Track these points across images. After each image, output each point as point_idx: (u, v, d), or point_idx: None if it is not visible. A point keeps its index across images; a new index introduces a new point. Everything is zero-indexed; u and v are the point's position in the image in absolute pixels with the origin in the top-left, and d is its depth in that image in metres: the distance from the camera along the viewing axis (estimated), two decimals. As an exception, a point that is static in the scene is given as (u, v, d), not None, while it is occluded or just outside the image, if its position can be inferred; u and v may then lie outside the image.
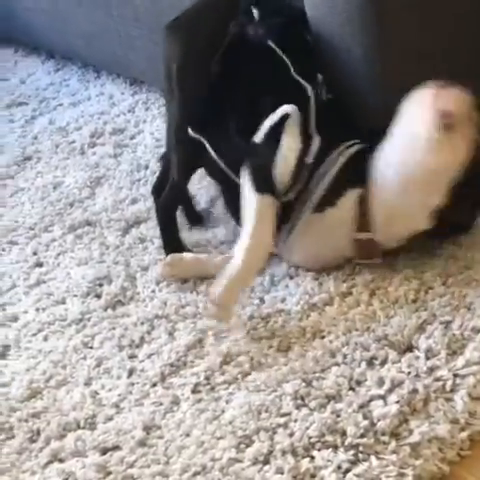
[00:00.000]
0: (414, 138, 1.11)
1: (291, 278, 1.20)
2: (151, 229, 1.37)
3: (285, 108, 1.17)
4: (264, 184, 1.14)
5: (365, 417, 0.95)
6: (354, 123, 1.23)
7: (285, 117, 1.17)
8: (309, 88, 1.20)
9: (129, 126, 1.76)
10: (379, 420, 0.94)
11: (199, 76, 1.24)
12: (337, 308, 1.12)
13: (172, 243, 1.30)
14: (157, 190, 1.36)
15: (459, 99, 1.09)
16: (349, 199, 1.15)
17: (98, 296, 1.25)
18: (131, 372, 1.10)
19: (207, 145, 1.23)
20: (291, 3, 1.31)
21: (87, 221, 1.44)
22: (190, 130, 1.23)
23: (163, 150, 1.45)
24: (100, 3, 1.81)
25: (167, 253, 1.28)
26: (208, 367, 1.07)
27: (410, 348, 1.04)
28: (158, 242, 1.33)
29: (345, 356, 1.04)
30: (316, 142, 1.17)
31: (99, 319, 1.20)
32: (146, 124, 1.74)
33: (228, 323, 1.12)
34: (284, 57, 1.21)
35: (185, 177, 1.31)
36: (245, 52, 1.23)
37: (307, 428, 0.95)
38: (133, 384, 1.08)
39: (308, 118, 1.18)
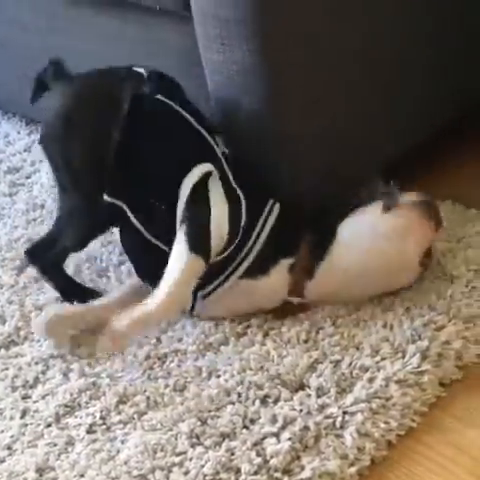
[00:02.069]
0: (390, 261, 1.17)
1: (188, 319, 1.21)
2: (46, 268, 1.37)
3: (202, 167, 1.17)
4: (199, 245, 1.13)
5: (259, 454, 0.97)
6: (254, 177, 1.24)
7: (205, 176, 1.17)
8: (213, 143, 1.21)
9: (25, 165, 1.74)
10: (272, 457, 0.97)
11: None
12: (232, 348, 1.14)
13: (69, 287, 1.28)
14: (34, 250, 1.29)
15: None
16: (282, 267, 1.18)
17: (-10, 336, 1.23)
18: (24, 413, 1.08)
19: (127, 210, 1.19)
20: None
21: (-20, 260, 1.42)
22: (106, 195, 1.19)
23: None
24: (-3, 42, 1.80)
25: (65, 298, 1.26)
26: (104, 407, 1.07)
27: (302, 386, 1.07)
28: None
29: (240, 395, 1.06)
30: (242, 200, 1.17)
31: (-9, 359, 1.18)
32: (42, 164, 1.73)
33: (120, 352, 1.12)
34: (182, 111, 1.21)
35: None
36: (146, 112, 1.20)
37: (202, 466, 0.97)
38: (26, 425, 1.06)
39: (225, 174, 1.19)
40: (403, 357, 1.08)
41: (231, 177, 1.19)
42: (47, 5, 1.61)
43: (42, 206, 1.57)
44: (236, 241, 1.16)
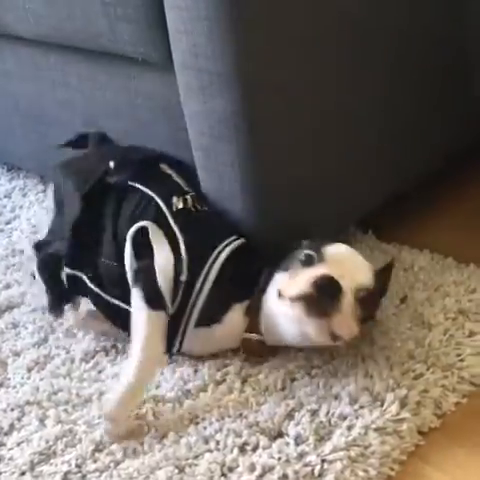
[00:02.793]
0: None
1: (167, 365, 1.20)
2: (24, 314, 1.36)
3: (140, 223, 1.22)
4: (155, 300, 1.15)
5: (237, 503, 0.97)
6: (230, 230, 1.26)
7: (145, 232, 1.21)
8: (162, 203, 1.25)
9: (5, 211, 1.75)
10: (250, 506, 0.96)
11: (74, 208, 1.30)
12: (211, 395, 1.14)
13: (55, 295, 1.30)
14: (40, 245, 1.35)
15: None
16: (236, 312, 1.18)
17: (-34, 382, 1.22)
18: (-1, 460, 1.07)
19: (85, 279, 1.27)
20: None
21: (-42, 306, 1.41)
22: (66, 268, 1.27)
23: (38, 236, 1.45)
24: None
25: (50, 308, 1.29)
26: (79, 455, 1.06)
27: (280, 434, 1.06)
28: (31, 327, 1.32)
29: (218, 442, 1.05)
30: (183, 250, 1.19)
31: (-33, 406, 1.17)
32: (23, 210, 1.74)
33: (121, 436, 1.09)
34: (140, 186, 1.29)
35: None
36: (107, 196, 1.30)
37: (179, 515, 0.96)
38: (0, 473, 1.05)
39: (169, 228, 1.22)
40: (382, 405, 1.08)
41: (177, 230, 1.22)
42: (30, 55, 1.63)
43: (21, 252, 1.56)
44: (179, 296, 1.17)
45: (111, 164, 1.33)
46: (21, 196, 1.81)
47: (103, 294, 1.25)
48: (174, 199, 1.26)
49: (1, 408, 1.15)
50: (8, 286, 1.46)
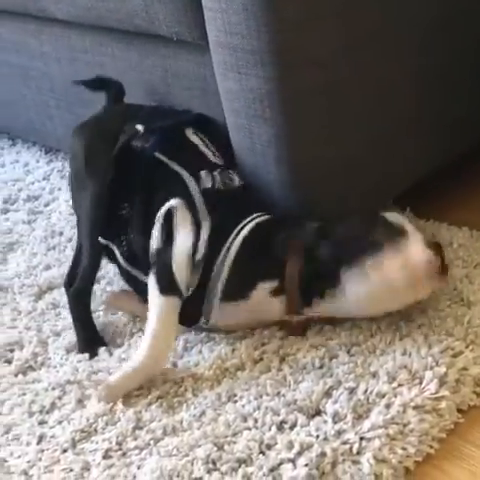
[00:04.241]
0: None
1: (204, 343, 1.21)
2: (64, 295, 1.36)
3: (170, 203, 1.21)
4: (167, 286, 1.16)
5: (275, 480, 0.97)
6: (257, 207, 1.26)
7: (171, 212, 1.21)
8: (189, 180, 1.24)
9: (44, 193, 1.77)
10: (289, 483, 0.96)
11: (102, 170, 1.28)
12: (249, 373, 1.14)
13: (87, 334, 1.27)
14: (69, 281, 1.33)
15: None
16: (261, 292, 1.18)
17: (8, 362, 1.23)
18: (41, 438, 1.08)
19: (116, 251, 1.28)
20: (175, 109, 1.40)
21: (-1, 286, 1.43)
22: (101, 238, 1.28)
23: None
24: (18, 74, 1.83)
25: (81, 348, 1.25)
26: (120, 433, 1.07)
27: (318, 412, 1.06)
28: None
29: (256, 420, 1.06)
30: (206, 230, 1.19)
31: (9, 385, 1.18)
32: (61, 192, 1.75)
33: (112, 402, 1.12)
34: (167, 160, 1.27)
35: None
36: (133, 163, 1.29)
37: (218, 492, 0.96)
38: (43, 450, 1.06)
39: (195, 207, 1.21)
40: (420, 383, 1.08)
41: (204, 212, 1.21)
42: (67, 37, 1.64)
43: (61, 233, 1.58)
44: (199, 271, 1.18)
45: (139, 128, 1.30)
46: (59, 178, 1.83)
47: (131, 269, 1.25)
48: (203, 174, 1.25)
49: (42, 387, 1.17)
50: (48, 267, 1.48)
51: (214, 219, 1.20)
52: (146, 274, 1.21)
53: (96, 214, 1.27)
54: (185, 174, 1.25)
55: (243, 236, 1.19)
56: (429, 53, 1.39)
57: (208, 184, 1.24)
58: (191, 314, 1.20)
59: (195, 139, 1.33)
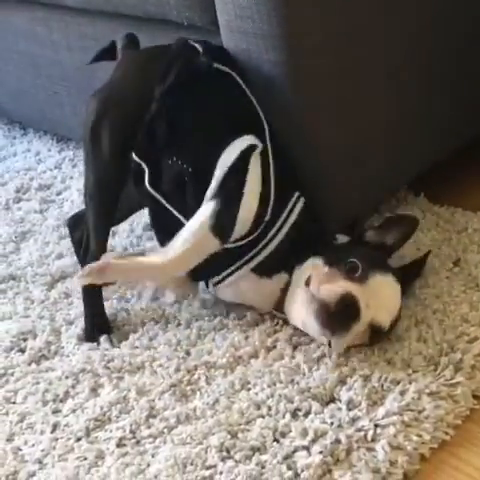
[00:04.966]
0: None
1: (217, 331, 1.21)
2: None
3: (248, 139, 1.14)
4: (222, 228, 1.12)
5: (289, 468, 0.96)
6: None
7: (247, 151, 1.14)
8: (265, 122, 1.18)
9: (56, 182, 1.76)
10: (303, 471, 0.95)
11: (114, 132, 1.23)
12: (262, 361, 1.14)
13: (95, 321, 1.25)
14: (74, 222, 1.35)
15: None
16: (280, 280, 1.16)
17: (22, 351, 1.24)
18: (55, 427, 1.08)
19: (146, 172, 1.20)
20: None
21: (11, 276, 1.43)
22: (133, 155, 1.20)
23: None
24: (28, 62, 1.83)
25: (87, 336, 1.24)
26: (133, 421, 1.07)
27: (332, 400, 1.06)
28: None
29: (270, 408, 1.05)
30: (272, 193, 1.14)
31: (23, 374, 1.18)
32: (73, 180, 1.75)
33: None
34: (242, 83, 1.20)
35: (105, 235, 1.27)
36: (199, 82, 1.20)
37: (232, 480, 0.96)
38: (57, 439, 1.06)
39: (267, 150, 1.15)
40: (435, 369, 1.07)
41: (271, 155, 1.15)
42: (77, 24, 1.63)
43: (73, 222, 1.58)
44: (257, 232, 1.14)
45: (198, 46, 1.22)
46: (71, 167, 1.83)
47: (159, 197, 1.19)
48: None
49: (56, 376, 1.17)
50: (60, 256, 1.48)
51: (277, 171, 1.15)
52: (180, 210, 1.17)
53: (101, 198, 1.25)
54: (259, 108, 1.18)
55: (297, 212, 1.16)
56: (442, 33, 1.38)
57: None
58: (211, 268, 1.17)
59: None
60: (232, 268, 1.18)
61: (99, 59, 1.44)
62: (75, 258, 1.42)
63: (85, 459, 1.03)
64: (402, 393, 1.04)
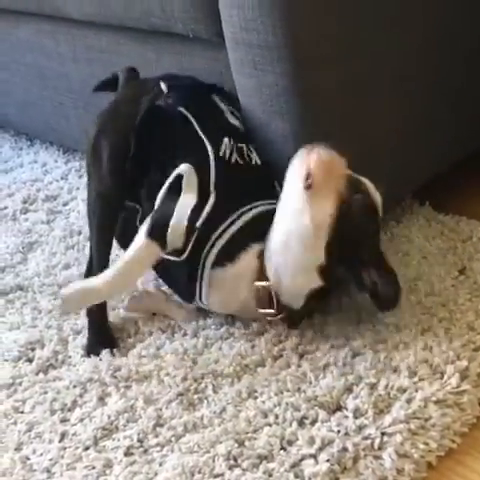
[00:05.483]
0: (288, 198, 1.15)
1: (224, 340, 1.21)
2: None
3: (181, 168, 1.21)
4: (156, 232, 1.18)
5: (297, 476, 0.97)
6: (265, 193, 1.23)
7: (181, 176, 1.21)
8: (210, 147, 1.23)
9: (62, 193, 1.77)
10: (310, 479, 0.96)
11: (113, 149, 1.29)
12: (269, 369, 1.14)
13: (98, 336, 1.27)
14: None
15: (322, 160, 1.14)
16: (249, 254, 1.18)
17: (30, 360, 1.24)
18: (63, 436, 1.09)
19: (138, 216, 1.28)
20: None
21: (19, 286, 1.44)
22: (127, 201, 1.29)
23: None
24: (35, 74, 1.84)
25: (88, 348, 1.25)
26: (141, 430, 1.07)
27: (339, 408, 1.06)
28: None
29: (277, 416, 1.05)
30: (210, 202, 1.19)
31: (30, 383, 1.19)
32: (79, 191, 1.76)
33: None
34: (191, 118, 1.26)
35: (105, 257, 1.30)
36: (158, 122, 1.27)
37: (240, 488, 0.96)
38: (65, 448, 1.07)
39: (208, 177, 1.20)
40: (442, 377, 1.07)
41: (213, 182, 1.20)
42: (83, 37, 1.65)
43: (79, 232, 1.59)
44: (192, 239, 1.18)
45: (163, 86, 1.30)
46: (77, 177, 1.84)
47: None
48: (225, 141, 1.24)
49: (63, 385, 1.17)
50: (67, 266, 1.48)
51: (219, 194, 1.19)
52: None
53: (102, 212, 1.30)
54: (205, 138, 1.24)
55: (251, 216, 1.18)
56: (448, 46, 1.39)
57: (227, 153, 1.23)
58: (188, 288, 1.21)
59: (222, 105, 1.31)
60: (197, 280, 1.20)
61: (101, 89, 1.49)
62: (81, 268, 1.43)
63: (93, 468, 1.03)
64: (408, 401, 1.04)
